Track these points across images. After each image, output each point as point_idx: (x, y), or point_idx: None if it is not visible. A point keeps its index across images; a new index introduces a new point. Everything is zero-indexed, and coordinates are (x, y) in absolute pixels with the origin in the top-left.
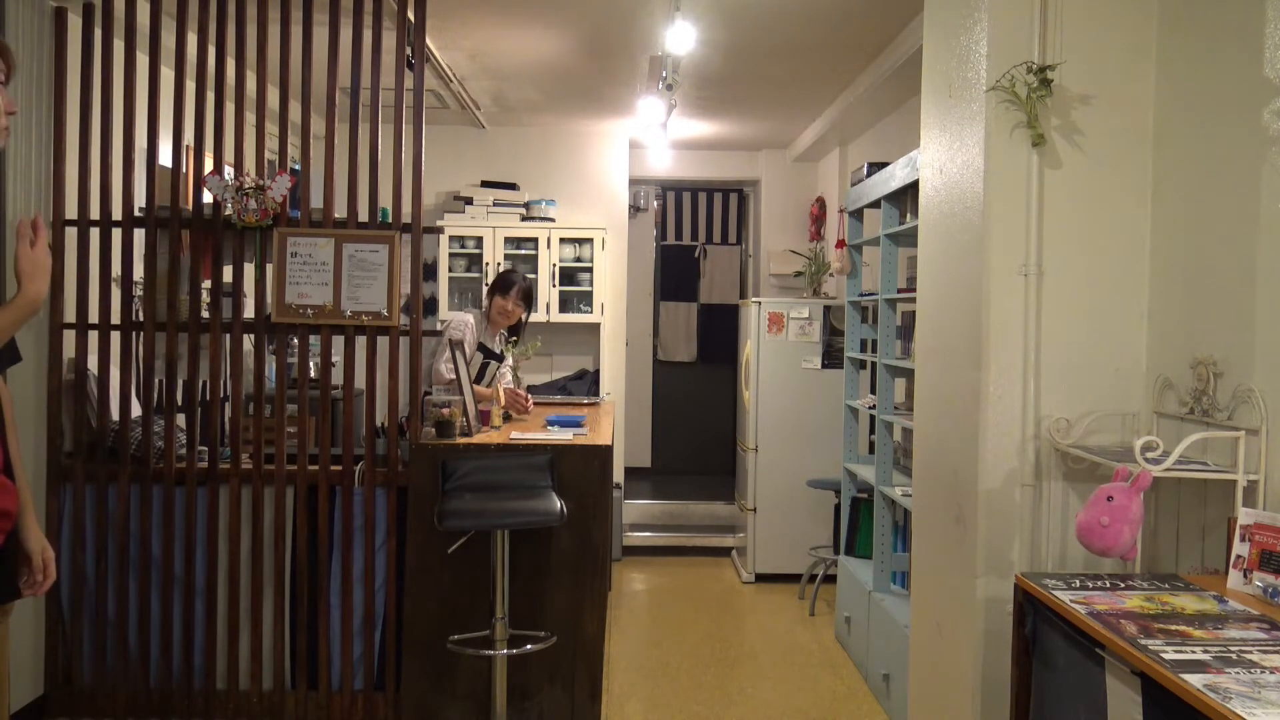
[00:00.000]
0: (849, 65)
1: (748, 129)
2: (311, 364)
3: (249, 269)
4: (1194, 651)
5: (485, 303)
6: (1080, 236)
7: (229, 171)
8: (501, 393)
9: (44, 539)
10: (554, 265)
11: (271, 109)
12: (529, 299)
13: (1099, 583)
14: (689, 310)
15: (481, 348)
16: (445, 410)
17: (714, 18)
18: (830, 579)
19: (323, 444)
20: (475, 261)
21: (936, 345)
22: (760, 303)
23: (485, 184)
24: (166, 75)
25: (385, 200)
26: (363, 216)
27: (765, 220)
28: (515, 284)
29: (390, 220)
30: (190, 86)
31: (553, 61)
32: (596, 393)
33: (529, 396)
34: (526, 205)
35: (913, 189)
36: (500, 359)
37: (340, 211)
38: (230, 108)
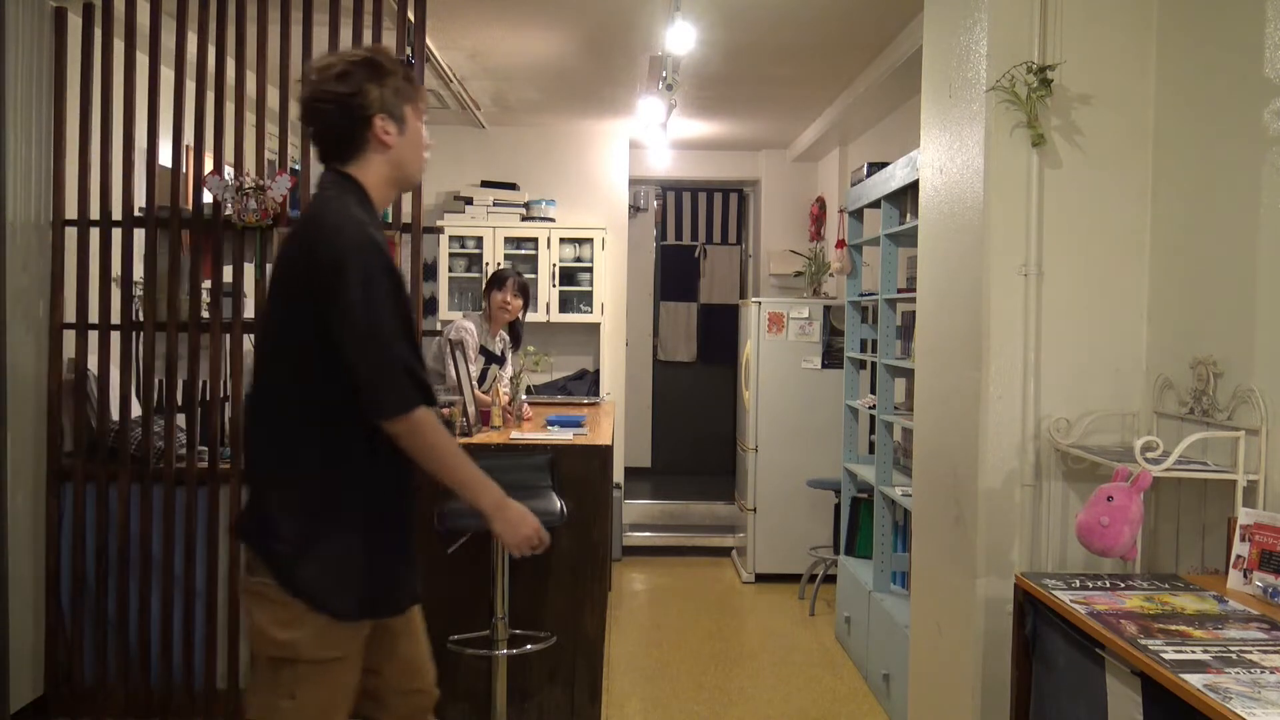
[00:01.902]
0: (849, 65)
1: (748, 129)
2: None
3: (249, 269)
4: (1194, 651)
5: (484, 302)
6: (1080, 236)
7: (229, 171)
8: (501, 395)
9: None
10: (554, 265)
11: (271, 109)
12: (525, 291)
13: (1099, 583)
14: (689, 310)
15: (484, 351)
16: (445, 410)
17: (714, 18)
18: (830, 579)
19: None
20: (475, 261)
21: (936, 345)
22: (760, 303)
23: (485, 184)
24: (166, 75)
25: None
26: None
27: (765, 220)
28: (509, 276)
29: (390, 220)
30: (190, 86)
31: (553, 61)
32: (596, 393)
33: (524, 411)
34: (526, 205)
35: (913, 189)
36: (501, 362)
37: None
38: (230, 108)
